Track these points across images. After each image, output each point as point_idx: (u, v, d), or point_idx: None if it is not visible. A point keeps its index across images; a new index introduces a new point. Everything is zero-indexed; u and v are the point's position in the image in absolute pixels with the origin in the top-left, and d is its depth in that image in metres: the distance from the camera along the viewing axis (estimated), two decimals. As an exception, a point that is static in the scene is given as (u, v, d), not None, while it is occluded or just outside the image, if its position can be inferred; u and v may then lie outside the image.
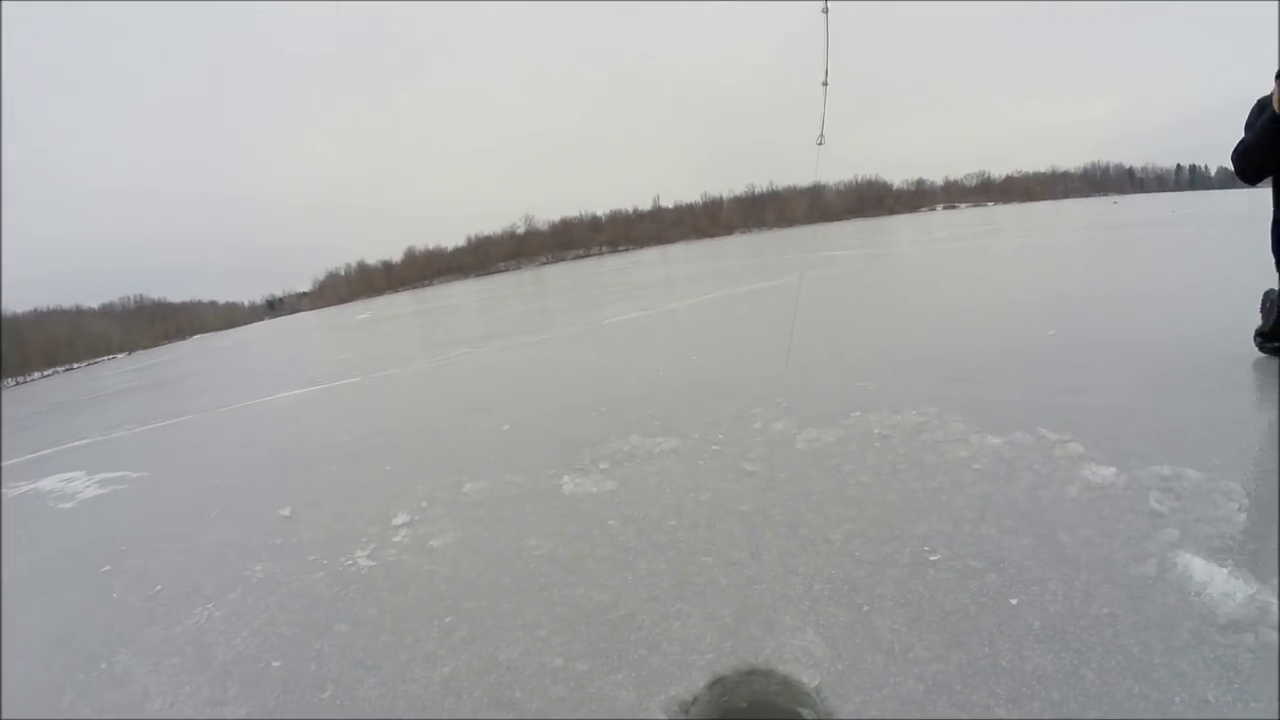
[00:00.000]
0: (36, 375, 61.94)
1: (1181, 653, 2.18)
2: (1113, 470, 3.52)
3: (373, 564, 3.94)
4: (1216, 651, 2.17)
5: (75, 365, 69.85)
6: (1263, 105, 4.39)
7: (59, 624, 3.95)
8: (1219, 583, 2.48)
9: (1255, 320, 5.13)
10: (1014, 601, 2.60)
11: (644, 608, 2.99)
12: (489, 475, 5.07)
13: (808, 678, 2.36)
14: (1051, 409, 4.57)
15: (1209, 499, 3.11)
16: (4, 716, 3.01)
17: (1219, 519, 2.94)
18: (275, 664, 3.08)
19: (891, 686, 2.26)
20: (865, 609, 2.71)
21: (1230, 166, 4.56)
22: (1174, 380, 4.82)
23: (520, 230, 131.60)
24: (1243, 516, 2.94)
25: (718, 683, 2.45)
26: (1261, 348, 5.04)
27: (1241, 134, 4.48)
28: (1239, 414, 4.12)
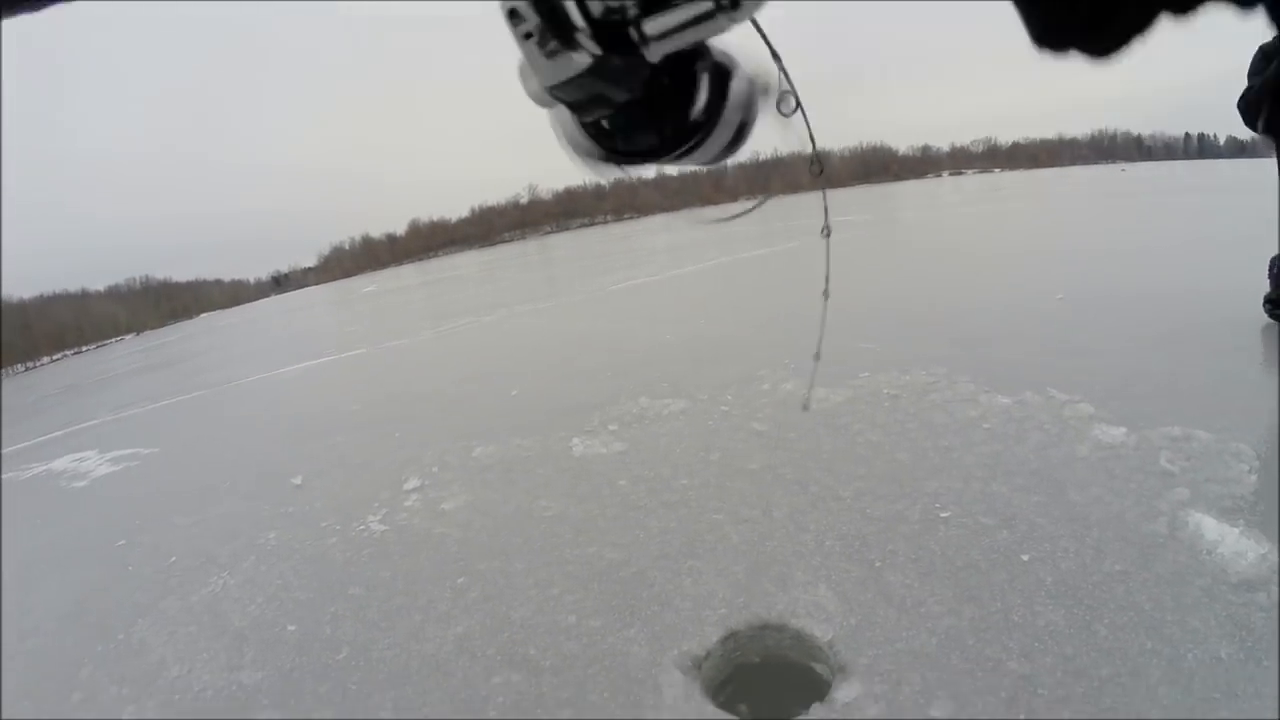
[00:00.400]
0: (45, 360, 61.98)
1: (1193, 610, 2.18)
2: (1123, 430, 3.51)
3: (385, 528, 3.96)
4: (1229, 609, 2.17)
5: (83, 349, 69.86)
6: (1266, 52, 4.32)
7: (76, 598, 3.98)
8: (1230, 542, 2.48)
9: (1264, 285, 5.08)
10: (1025, 558, 2.61)
11: (655, 565, 3.00)
12: (498, 439, 5.09)
13: (820, 632, 2.37)
14: (1061, 370, 4.56)
15: (1219, 459, 3.10)
16: (4, 716, 3.04)
17: (1229, 479, 2.93)
18: (290, 628, 3.11)
19: (904, 640, 2.26)
20: (877, 564, 2.72)
21: (1237, 129, 4.50)
22: (1183, 343, 4.80)
23: (524, 200, 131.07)
24: (1253, 477, 2.93)
25: (730, 637, 2.46)
26: (1271, 314, 4.99)
27: (1248, 84, 4.41)
28: (1248, 376, 4.10)
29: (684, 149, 0.42)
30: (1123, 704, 1.91)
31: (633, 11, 0.36)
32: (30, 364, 59.42)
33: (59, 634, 3.59)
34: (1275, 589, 2.22)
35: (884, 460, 3.62)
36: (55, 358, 63.57)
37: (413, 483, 4.52)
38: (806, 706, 2.10)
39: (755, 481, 3.62)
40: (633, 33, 0.36)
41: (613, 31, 0.36)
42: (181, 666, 3.00)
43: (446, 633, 2.80)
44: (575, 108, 0.41)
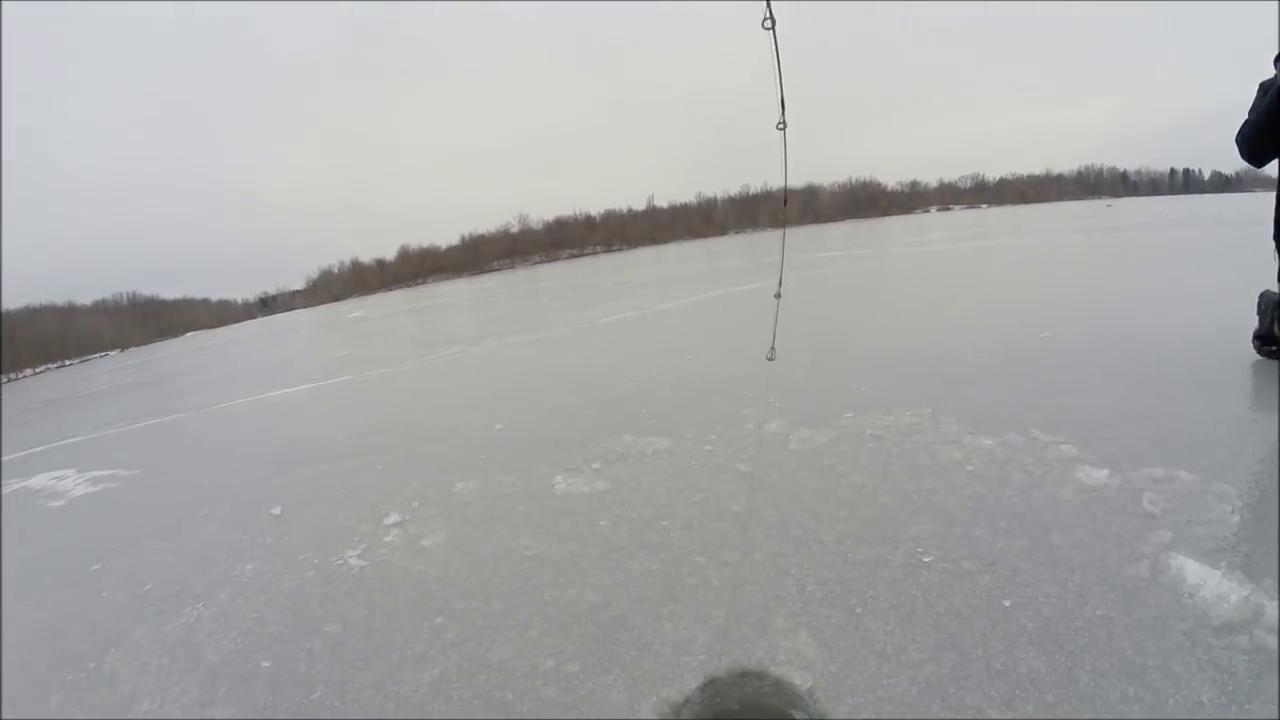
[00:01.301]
0: (29, 372, 61.60)
1: (1175, 654, 2.18)
2: (1106, 472, 3.52)
3: (363, 564, 3.92)
4: (1210, 654, 2.16)
5: (68, 362, 69.44)
6: (1265, 88, 4.37)
7: (47, 623, 3.92)
8: (1212, 585, 2.48)
9: (1252, 322, 5.12)
10: (1007, 603, 2.60)
11: (636, 608, 2.98)
12: (481, 475, 5.05)
13: (800, 679, 2.35)
14: (1044, 410, 4.57)
15: (1202, 501, 3.10)
16: (4, 717, 2.99)
17: (1212, 521, 2.93)
18: (265, 664, 3.06)
19: (885, 688, 2.25)
20: (858, 610, 2.70)
21: (1236, 154, 4.53)
22: (1168, 382, 4.82)
23: (514, 229, 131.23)
24: (1236, 519, 2.94)
25: (710, 684, 2.44)
26: (1259, 350, 5.02)
27: (1246, 119, 4.46)
28: (1232, 416, 4.12)
29: None
30: (1103, 758, 1.90)
31: None
32: (13, 376, 58.95)
33: (29, 660, 3.53)
34: (1257, 632, 2.22)
35: (867, 503, 3.62)
36: (38, 370, 63.13)
37: (393, 517, 4.48)
38: (785, 756, 2.08)
39: (737, 523, 3.60)
40: None
41: None
42: (152, 700, 2.95)
43: (423, 675, 2.76)
44: None
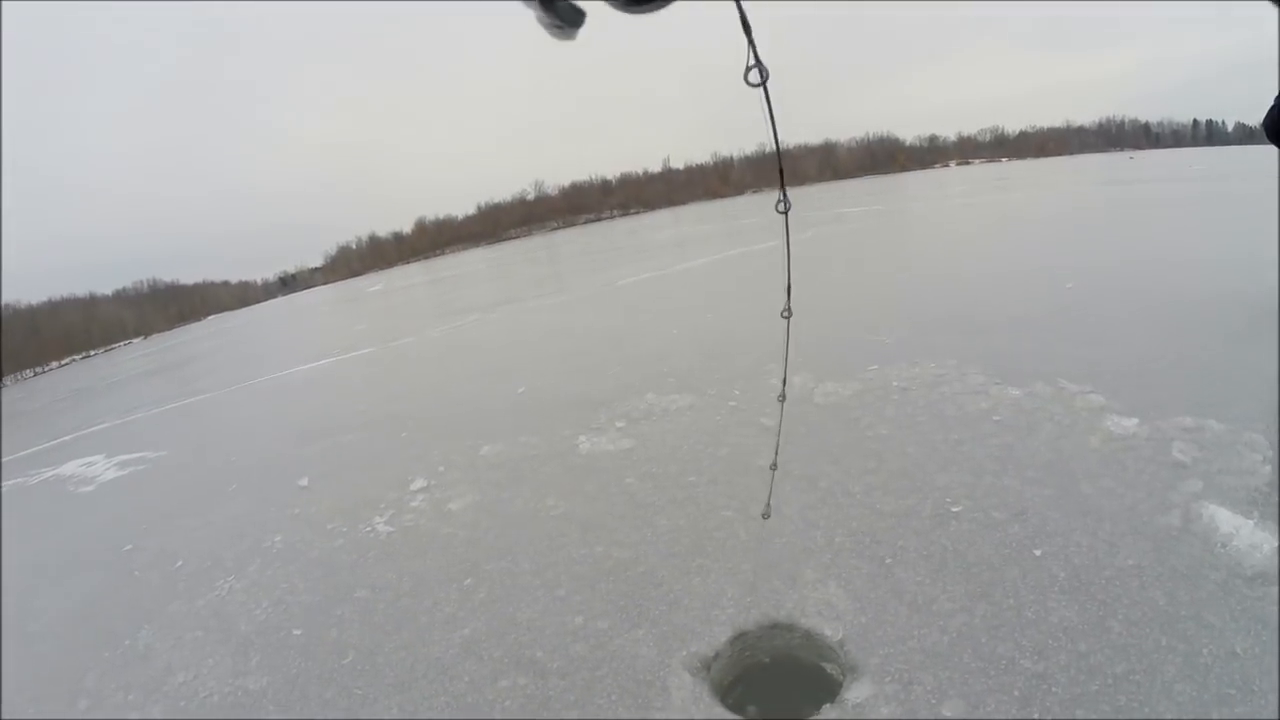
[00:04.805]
0: (54, 365, 62.14)
1: (1208, 604, 2.14)
2: (1134, 421, 3.46)
3: (391, 529, 3.94)
4: (1244, 603, 2.13)
5: (92, 353, 69.95)
6: None
7: (82, 603, 3.99)
8: (1245, 534, 2.43)
9: (1275, 273, 4.99)
10: (1038, 552, 2.57)
11: (664, 564, 2.97)
12: (505, 438, 5.06)
13: (830, 631, 2.34)
14: (1071, 360, 4.50)
15: (1233, 450, 3.05)
16: (4, 716, 3.03)
17: (1243, 470, 2.88)
18: (296, 632, 3.09)
19: (916, 638, 2.23)
20: (888, 561, 2.68)
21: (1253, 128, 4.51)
22: (1194, 332, 4.73)
23: (531, 196, 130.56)
24: (1268, 468, 2.87)
25: (740, 638, 2.43)
26: None
27: (1274, 104, 4.41)
28: (1261, 366, 4.03)
29: None
30: (1137, 702, 1.87)
31: None
32: (39, 369, 59.59)
33: (66, 639, 3.59)
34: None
35: (894, 454, 3.59)
36: (64, 362, 63.71)
37: (419, 483, 4.50)
38: (817, 707, 2.07)
39: (764, 477, 3.58)
40: None
41: None
42: (187, 672, 2.98)
43: (453, 635, 2.77)
44: None
